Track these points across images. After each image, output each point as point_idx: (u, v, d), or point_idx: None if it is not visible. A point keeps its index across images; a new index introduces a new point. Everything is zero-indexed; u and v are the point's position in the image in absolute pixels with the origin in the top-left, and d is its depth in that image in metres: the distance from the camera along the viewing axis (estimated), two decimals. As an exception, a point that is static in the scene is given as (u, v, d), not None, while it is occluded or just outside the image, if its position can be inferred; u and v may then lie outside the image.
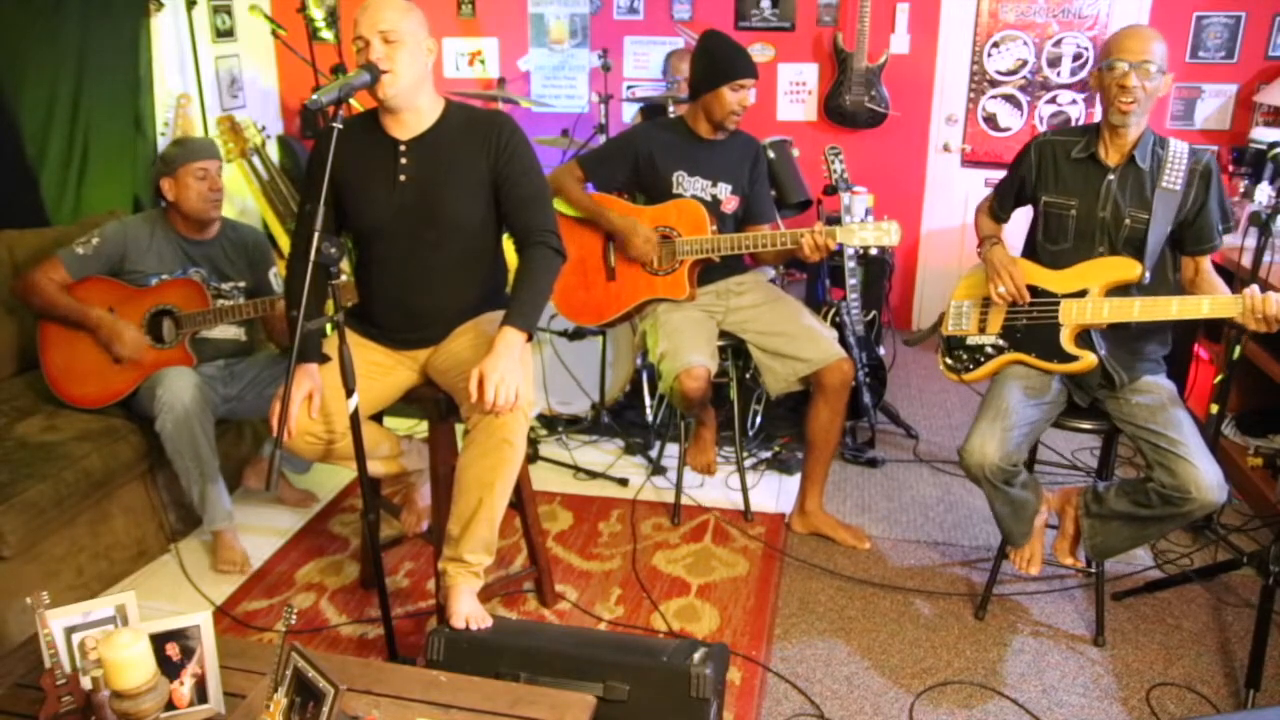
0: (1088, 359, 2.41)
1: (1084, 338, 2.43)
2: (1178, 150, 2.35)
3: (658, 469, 3.46)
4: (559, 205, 3.08)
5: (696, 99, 2.95)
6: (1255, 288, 2.18)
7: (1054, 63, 4.50)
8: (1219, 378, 3.07)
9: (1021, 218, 2.63)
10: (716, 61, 2.88)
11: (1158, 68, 2.26)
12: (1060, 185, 2.46)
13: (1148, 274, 2.34)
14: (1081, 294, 2.41)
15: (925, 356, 4.62)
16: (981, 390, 2.59)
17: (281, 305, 2.82)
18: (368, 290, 2.42)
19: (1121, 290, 2.39)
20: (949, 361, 2.65)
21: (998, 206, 2.67)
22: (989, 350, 2.57)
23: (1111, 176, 2.38)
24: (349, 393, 2.05)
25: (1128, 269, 2.36)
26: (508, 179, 2.28)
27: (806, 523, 3.06)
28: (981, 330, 2.59)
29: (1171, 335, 2.51)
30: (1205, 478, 2.22)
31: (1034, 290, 2.47)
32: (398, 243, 2.30)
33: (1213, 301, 2.26)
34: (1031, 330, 2.49)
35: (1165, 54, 2.29)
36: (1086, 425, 2.52)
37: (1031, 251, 2.56)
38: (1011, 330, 2.53)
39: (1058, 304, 2.43)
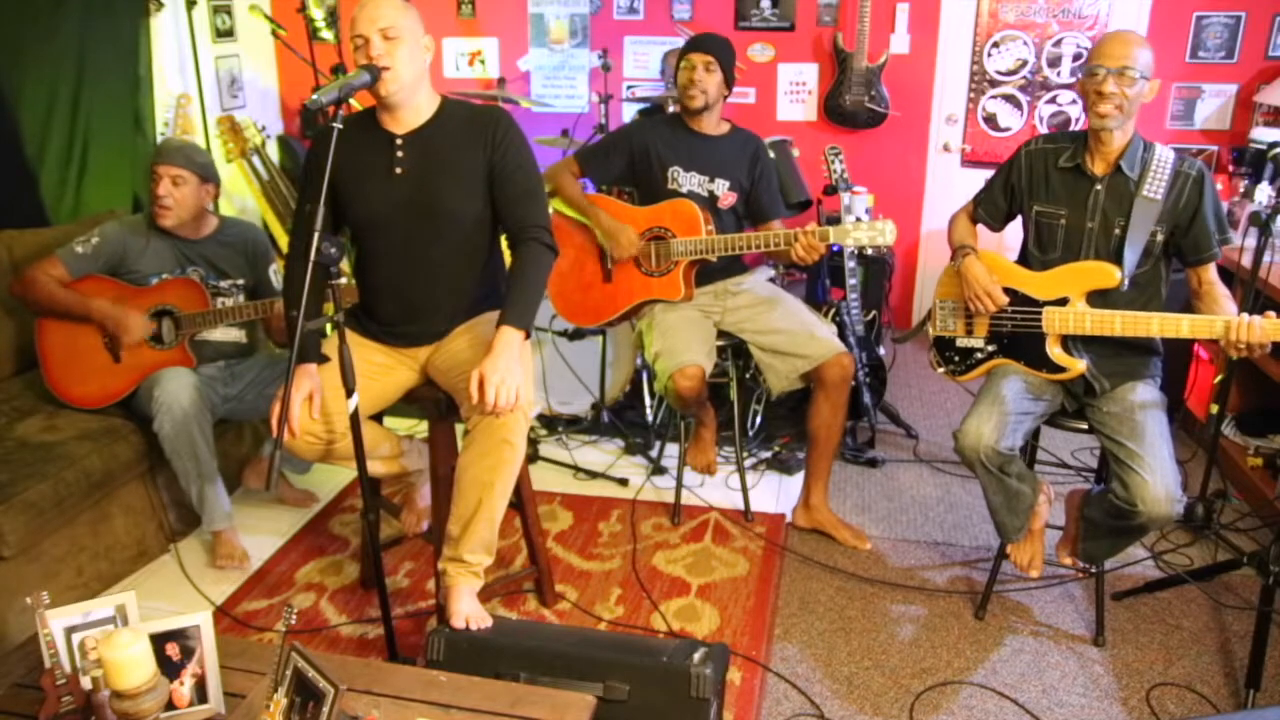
0: (1075, 367, 2.39)
1: (1070, 345, 2.41)
2: (1162, 157, 2.30)
3: (658, 469, 3.46)
4: (558, 205, 3.08)
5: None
6: (1242, 316, 2.13)
7: (1054, 63, 4.49)
8: (1219, 378, 3.07)
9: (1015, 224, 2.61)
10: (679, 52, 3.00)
11: (1140, 74, 2.22)
12: (1050, 195, 2.43)
13: (1126, 281, 2.31)
14: (1063, 301, 2.38)
15: (925, 356, 4.60)
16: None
17: (280, 306, 2.82)
18: (367, 285, 2.42)
19: (1101, 296, 2.35)
20: (943, 363, 2.66)
21: (987, 215, 2.60)
22: (979, 355, 2.57)
23: (1099, 186, 2.35)
24: (349, 393, 2.05)
25: (1106, 275, 2.32)
26: (502, 173, 2.28)
27: (810, 518, 3.07)
28: (969, 333, 2.59)
29: (1163, 347, 2.47)
30: (1153, 491, 2.16)
31: (1014, 295, 2.45)
32: (395, 236, 2.31)
33: (1192, 323, 2.21)
34: (1017, 338, 2.48)
35: (1150, 60, 2.25)
36: (1084, 426, 2.51)
37: (1024, 260, 2.53)
38: (998, 335, 2.52)
39: (1040, 312, 2.41)
